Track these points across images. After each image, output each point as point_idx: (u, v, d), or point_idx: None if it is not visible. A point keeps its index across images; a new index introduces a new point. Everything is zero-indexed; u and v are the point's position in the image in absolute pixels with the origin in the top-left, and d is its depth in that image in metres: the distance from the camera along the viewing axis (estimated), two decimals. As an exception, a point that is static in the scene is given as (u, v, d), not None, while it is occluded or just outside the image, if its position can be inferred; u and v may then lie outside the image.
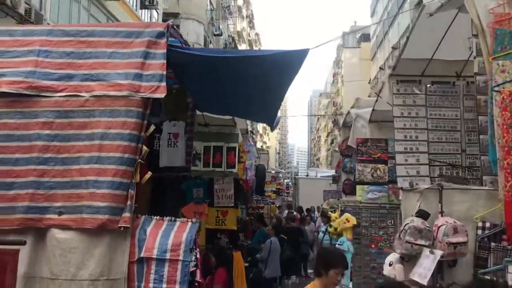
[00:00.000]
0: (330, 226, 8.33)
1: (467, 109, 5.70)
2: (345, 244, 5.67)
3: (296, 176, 34.99)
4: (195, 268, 4.07)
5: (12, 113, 4.36)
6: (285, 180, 43.39)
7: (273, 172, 31.55)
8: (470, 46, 3.98)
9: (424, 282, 3.05)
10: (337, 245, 5.87)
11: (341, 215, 8.05)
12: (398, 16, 41.77)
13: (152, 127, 4.65)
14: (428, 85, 5.76)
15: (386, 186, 8.11)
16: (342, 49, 71.88)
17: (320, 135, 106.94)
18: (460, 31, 4.51)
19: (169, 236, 4.19)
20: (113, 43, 4.56)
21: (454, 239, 3.31)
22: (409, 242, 3.43)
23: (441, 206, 3.54)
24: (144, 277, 4.15)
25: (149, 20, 25.96)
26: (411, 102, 5.69)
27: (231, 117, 9.33)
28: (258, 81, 5.67)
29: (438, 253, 3.23)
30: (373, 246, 5.77)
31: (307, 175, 37.76)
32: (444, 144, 5.63)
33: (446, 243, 3.33)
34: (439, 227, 3.46)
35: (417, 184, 5.23)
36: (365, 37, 63.96)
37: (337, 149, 20.68)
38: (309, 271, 13.39)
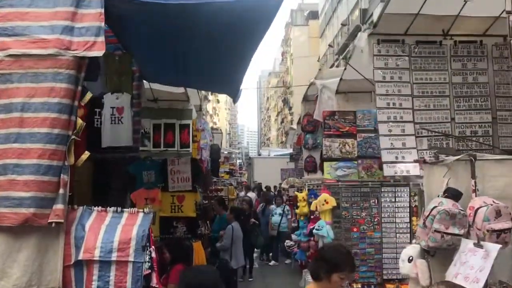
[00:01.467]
0: (297, 207, 7.67)
1: (455, 72, 5.11)
2: (324, 229, 4.98)
3: (251, 156, 34.34)
4: (150, 271, 3.22)
5: None
6: (238, 161, 42.83)
7: (225, 152, 30.75)
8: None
9: (477, 287, 2.29)
10: (314, 231, 5.19)
11: (309, 195, 7.39)
12: (347, -8, 41.52)
13: (89, 95, 3.69)
14: (412, 45, 5.09)
15: (356, 162, 7.51)
16: (291, 27, 71.38)
17: (270, 114, 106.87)
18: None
19: (115, 231, 3.31)
20: (34, -14, 3.55)
21: (497, 225, 2.58)
22: (439, 231, 2.68)
23: (475, 183, 2.81)
24: (85, 284, 3.25)
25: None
26: (394, 65, 5.02)
27: (183, 91, 8.39)
28: (219, 40, 4.80)
29: (492, 247, 2.42)
30: (355, 229, 5.10)
31: (259, 155, 37.26)
32: (432, 112, 5.02)
33: (488, 230, 2.59)
34: (476, 210, 2.72)
35: (403, 157, 4.58)
36: (313, 15, 63.76)
37: (293, 126, 20.14)
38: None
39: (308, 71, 58.53)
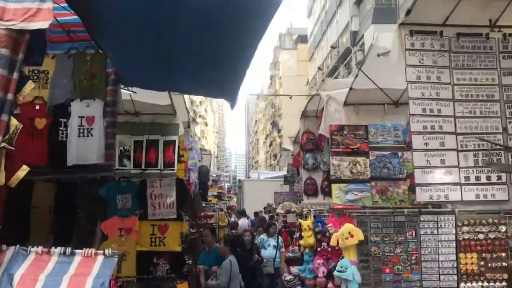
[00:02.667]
0: (300, 237, 6.58)
1: (506, 72, 4.15)
2: (349, 270, 3.85)
3: (241, 178, 33.15)
4: None
5: None
6: (226, 184, 41.62)
7: (214, 175, 29.58)
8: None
9: None
10: (336, 273, 4.08)
11: (315, 223, 6.31)
12: (336, 14, 41.35)
13: (30, 85, 2.61)
14: (453, 38, 4.13)
15: (369, 185, 6.48)
16: (279, 51, 71.27)
17: (258, 137, 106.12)
18: None
19: (60, 284, 2.18)
20: None
21: None
22: None
23: None
24: None
25: None
26: (430, 62, 4.04)
27: (168, 103, 7.34)
28: (214, 31, 3.80)
29: None
30: (387, 270, 3.98)
31: (248, 178, 36.13)
32: (478, 120, 4.02)
33: None
34: None
35: (441, 178, 3.54)
36: (302, 39, 63.88)
37: (286, 147, 19.12)
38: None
39: (298, 93, 58.18)
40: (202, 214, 8.11)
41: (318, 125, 7.50)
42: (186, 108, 9.39)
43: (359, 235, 4.09)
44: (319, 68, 48.92)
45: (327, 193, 9.05)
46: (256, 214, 18.09)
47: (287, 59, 67.57)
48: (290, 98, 19.01)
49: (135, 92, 6.74)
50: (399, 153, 6.63)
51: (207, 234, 6.21)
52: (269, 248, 9.57)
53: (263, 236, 9.95)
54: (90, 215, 4.78)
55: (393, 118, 6.79)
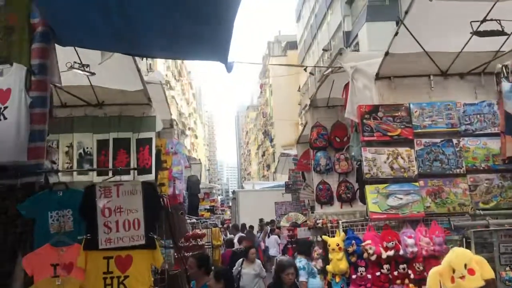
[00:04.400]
0: (325, 260, 4.79)
1: None
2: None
3: (235, 190, 31.25)
4: None
5: None
6: (219, 197, 39.80)
7: (206, 188, 27.70)
8: None
9: None
10: None
11: (348, 240, 4.52)
12: (327, 16, 39.95)
13: None
14: None
15: (417, 184, 4.71)
16: (269, 58, 69.93)
17: (250, 149, 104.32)
18: None
19: None
20: None
21: None
22: None
23: None
24: None
25: None
26: None
27: (140, 88, 5.56)
28: None
29: None
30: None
31: (242, 188, 34.29)
32: None
33: None
34: None
35: None
36: (291, 45, 62.71)
37: (284, 151, 17.32)
38: None
39: (288, 101, 56.65)
40: (190, 233, 6.27)
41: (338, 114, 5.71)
42: (167, 101, 7.59)
43: (486, 270, 2.29)
44: (310, 73, 47.32)
45: (348, 199, 7.31)
46: (251, 228, 16.24)
47: (277, 67, 66.24)
48: (305, 70, 17.45)
49: (93, 73, 4.97)
50: (454, 140, 4.89)
51: (191, 264, 4.28)
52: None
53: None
54: (5, 244, 2.96)
55: (441, 93, 5.07)
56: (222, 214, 33.76)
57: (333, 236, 4.71)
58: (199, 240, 6.31)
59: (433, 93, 5.03)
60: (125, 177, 5.59)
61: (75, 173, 5.58)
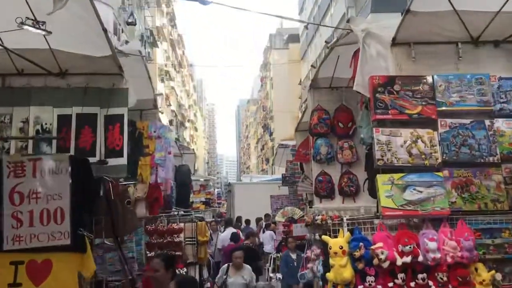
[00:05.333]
0: (325, 266, 3.93)
1: None
2: None
3: (231, 182, 30.40)
4: None
5: None
6: (216, 189, 39.00)
7: (202, 180, 26.84)
8: None
9: None
10: None
11: (354, 242, 3.63)
12: (330, 7, 38.93)
13: None
14: None
15: (441, 175, 3.80)
16: (270, 51, 69.01)
17: (249, 142, 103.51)
18: None
19: None
20: None
21: None
22: None
23: None
24: None
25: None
26: None
27: (109, 53, 4.65)
28: None
29: None
30: None
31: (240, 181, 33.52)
32: None
33: None
34: None
35: None
36: (293, 38, 61.78)
37: (283, 142, 16.38)
38: None
39: (288, 95, 55.74)
40: (165, 228, 5.35)
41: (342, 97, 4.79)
42: (149, 76, 6.66)
43: None
44: (312, 66, 46.29)
45: (351, 193, 6.43)
46: (247, 222, 15.42)
47: (278, 59, 65.44)
48: (306, 27, 16.51)
49: (49, 32, 4.08)
50: (487, 122, 3.98)
51: (157, 266, 3.26)
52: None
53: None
54: None
55: (471, 64, 4.15)
56: (219, 207, 32.96)
57: (335, 236, 3.82)
58: (175, 236, 5.41)
59: (461, 64, 4.11)
60: (90, 159, 4.72)
61: (30, 150, 4.69)
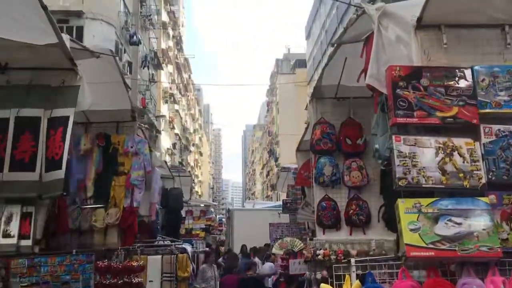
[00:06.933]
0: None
1: None
2: None
3: (230, 208, 29.21)
4: None
5: None
6: (218, 216, 37.79)
7: (202, 205, 25.69)
8: None
9: None
10: None
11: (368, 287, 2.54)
12: (338, 32, 38.47)
13: None
14: None
15: (485, 200, 2.74)
16: (277, 76, 68.84)
17: (255, 168, 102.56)
18: None
19: None
20: None
21: None
22: None
23: None
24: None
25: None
26: None
27: (55, 41, 3.69)
28: None
29: None
30: None
31: (243, 207, 32.42)
32: None
33: None
34: None
35: None
36: (300, 63, 61.79)
37: (285, 165, 15.31)
38: None
39: (295, 120, 54.99)
40: (121, 265, 4.31)
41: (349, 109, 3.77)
42: (125, 82, 5.67)
43: None
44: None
45: (360, 223, 5.34)
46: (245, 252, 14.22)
47: (285, 84, 65.23)
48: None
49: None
50: (547, 130, 2.93)
51: None
52: None
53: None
54: None
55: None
56: (220, 234, 31.69)
57: (340, 286, 2.73)
58: (133, 276, 4.29)
59: (509, 53, 3.09)
60: (25, 175, 3.74)
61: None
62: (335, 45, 4.47)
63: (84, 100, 4.02)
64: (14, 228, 3.66)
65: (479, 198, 2.78)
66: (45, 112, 3.86)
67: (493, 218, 2.73)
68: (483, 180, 2.81)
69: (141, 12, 34.42)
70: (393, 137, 2.85)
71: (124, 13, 29.47)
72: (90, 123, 6.20)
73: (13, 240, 3.63)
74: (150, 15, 36.18)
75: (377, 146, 3.31)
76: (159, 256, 5.85)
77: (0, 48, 3.83)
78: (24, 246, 3.66)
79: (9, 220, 3.68)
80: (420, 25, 3.09)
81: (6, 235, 3.67)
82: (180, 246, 6.48)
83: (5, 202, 3.71)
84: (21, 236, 3.64)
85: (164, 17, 43.92)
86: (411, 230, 2.69)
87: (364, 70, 3.32)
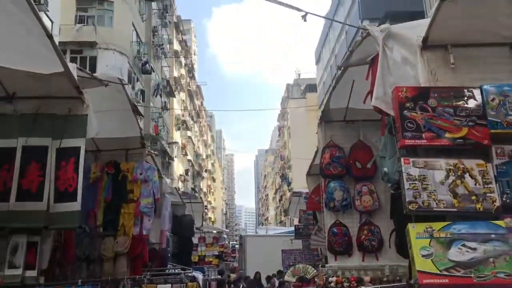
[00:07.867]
0: None
1: None
2: None
3: (243, 234, 28.90)
4: None
5: None
6: (231, 242, 37.41)
7: (214, 232, 25.47)
8: None
9: None
10: None
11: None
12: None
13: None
14: None
15: (501, 224, 2.64)
16: (288, 101, 69.10)
17: (267, 193, 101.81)
18: None
19: None
20: None
21: None
22: None
23: None
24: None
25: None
26: None
27: (60, 69, 3.71)
28: None
29: None
30: None
31: (256, 233, 32.04)
32: None
33: None
34: None
35: None
36: (311, 88, 62.04)
37: (297, 190, 15.16)
38: None
39: (306, 144, 54.89)
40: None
41: (359, 132, 3.72)
42: (134, 109, 5.70)
43: None
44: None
45: (372, 249, 5.21)
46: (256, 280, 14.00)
47: (296, 109, 65.42)
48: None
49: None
50: (561, 150, 2.83)
51: None
52: None
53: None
54: None
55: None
56: (233, 261, 31.28)
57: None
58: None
59: (518, 72, 3.02)
60: (32, 205, 3.72)
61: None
62: (342, 68, 4.43)
63: (91, 128, 4.02)
64: (19, 258, 3.62)
65: (494, 221, 2.67)
66: (53, 142, 3.86)
67: (510, 242, 2.62)
68: (497, 203, 2.71)
69: (153, 42, 34.95)
70: (402, 159, 2.77)
71: (136, 42, 29.93)
72: (100, 150, 6.22)
73: (18, 271, 3.59)
74: (162, 44, 36.72)
75: (385, 169, 3.22)
76: (168, 285, 5.73)
77: (7, 77, 3.89)
78: (29, 277, 3.61)
79: (14, 251, 3.64)
80: (426, 45, 3.05)
81: (12, 266, 3.64)
82: (190, 274, 6.37)
83: (11, 233, 3.68)
84: (26, 267, 3.60)
85: (176, 46, 44.59)
86: (423, 256, 2.58)
87: (370, 92, 3.28)
